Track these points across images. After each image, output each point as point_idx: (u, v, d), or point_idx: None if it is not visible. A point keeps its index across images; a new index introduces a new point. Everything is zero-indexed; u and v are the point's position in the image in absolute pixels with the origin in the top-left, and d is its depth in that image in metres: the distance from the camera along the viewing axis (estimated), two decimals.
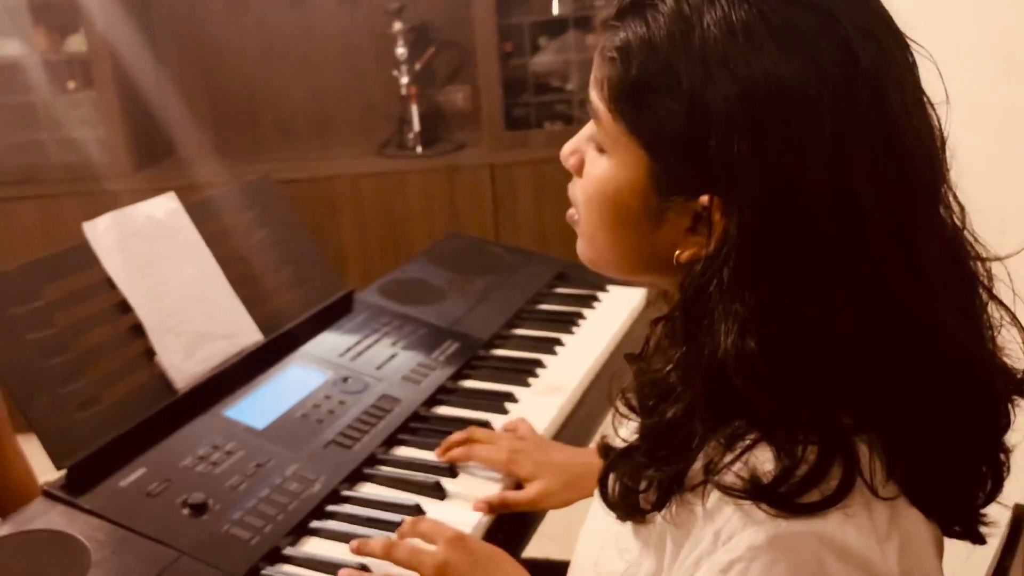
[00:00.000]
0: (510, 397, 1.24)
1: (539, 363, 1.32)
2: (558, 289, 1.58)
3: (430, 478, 1.05)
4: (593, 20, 2.97)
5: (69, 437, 0.99)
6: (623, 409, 0.73)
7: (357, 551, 0.93)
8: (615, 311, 1.49)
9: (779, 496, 0.59)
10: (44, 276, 1.07)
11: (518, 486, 1.06)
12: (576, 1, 2.95)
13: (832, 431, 0.61)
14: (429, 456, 1.11)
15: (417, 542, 0.91)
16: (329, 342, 1.31)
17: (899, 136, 0.61)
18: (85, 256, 1.11)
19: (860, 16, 0.62)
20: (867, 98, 0.61)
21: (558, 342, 1.39)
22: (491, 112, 2.90)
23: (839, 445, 0.60)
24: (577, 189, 0.74)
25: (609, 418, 1.25)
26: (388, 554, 0.90)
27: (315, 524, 0.98)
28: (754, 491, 0.60)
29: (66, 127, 3.03)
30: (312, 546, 0.96)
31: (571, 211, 0.76)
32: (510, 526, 1.03)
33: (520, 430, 1.13)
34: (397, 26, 2.96)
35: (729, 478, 0.61)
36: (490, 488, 1.05)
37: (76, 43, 3.00)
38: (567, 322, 1.45)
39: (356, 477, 1.07)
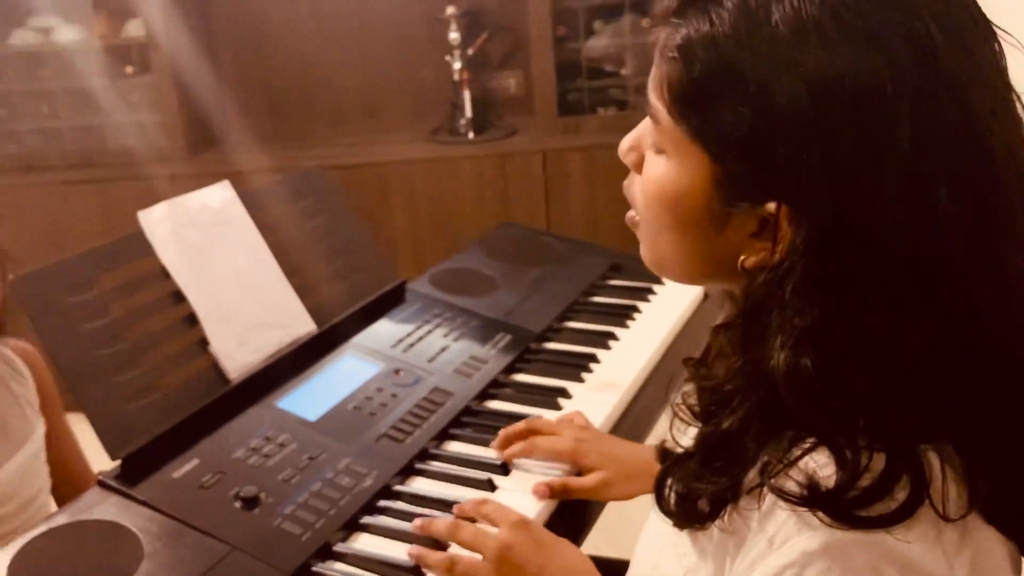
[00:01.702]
0: (563, 393, 1.22)
1: (593, 358, 1.30)
2: (612, 281, 1.55)
3: (483, 475, 1.04)
4: (649, 5, 2.92)
5: (123, 427, 0.99)
6: (682, 414, 0.70)
7: (421, 530, 0.93)
8: (672, 305, 1.45)
9: (838, 506, 0.56)
10: (99, 265, 1.07)
11: (579, 477, 1.05)
12: None
13: (899, 443, 0.57)
14: (481, 451, 1.09)
15: (481, 524, 0.91)
16: (381, 333, 1.30)
17: (983, 140, 0.57)
18: (140, 245, 1.11)
19: (940, 9, 0.58)
20: (948, 100, 0.57)
21: (612, 336, 1.36)
22: (544, 97, 2.87)
23: (907, 458, 0.57)
24: (636, 188, 0.71)
25: (664, 418, 1.23)
26: (452, 535, 0.90)
27: (366, 520, 0.97)
28: (811, 498, 0.57)
29: (124, 112, 3.07)
30: (363, 542, 0.95)
31: (631, 214, 0.73)
32: (569, 519, 1.01)
33: (576, 421, 1.12)
34: (450, 11, 2.95)
35: (786, 483, 0.58)
36: (546, 477, 1.03)
37: (134, 29, 3.04)
38: (622, 316, 1.42)
39: (408, 471, 1.06)
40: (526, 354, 1.31)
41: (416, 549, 0.90)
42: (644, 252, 0.72)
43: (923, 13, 0.57)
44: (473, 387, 1.21)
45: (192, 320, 1.12)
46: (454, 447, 1.11)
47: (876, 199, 0.56)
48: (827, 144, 0.56)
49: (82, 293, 1.02)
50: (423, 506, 0.99)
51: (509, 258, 1.58)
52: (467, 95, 2.99)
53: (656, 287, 1.50)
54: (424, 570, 0.89)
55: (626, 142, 0.72)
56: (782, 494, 0.58)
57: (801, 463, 0.58)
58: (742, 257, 0.62)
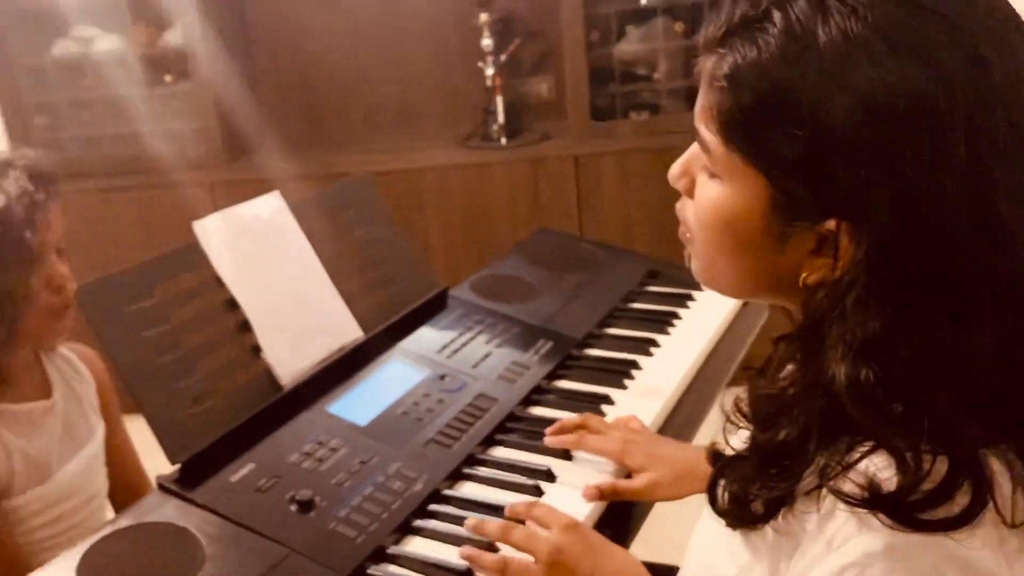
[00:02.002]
0: (606, 399, 1.23)
1: (635, 364, 1.31)
2: (651, 287, 1.56)
3: (530, 480, 1.06)
4: (681, 10, 2.92)
5: (182, 432, 1.02)
6: (735, 418, 0.72)
7: (474, 531, 0.95)
8: (711, 312, 1.46)
9: (900, 509, 0.57)
10: (157, 275, 1.10)
11: (628, 479, 1.07)
12: None
13: (961, 448, 0.58)
14: (528, 457, 1.11)
15: (532, 526, 0.93)
16: (426, 339, 1.32)
17: None
18: (195, 255, 1.14)
19: (986, 20, 0.59)
20: (999, 108, 0.58)
21: (654, 343, 1.37)
22: (577, 102, 2.88)
23: (968, 463, 0.58)
24: (689, 211, 0.72)
25: (707, 425, 1.24)
26: (504, 536, 0.92)
27: (418, 523, 0.99)
28: (872, 500, 0.58)
29: (163, 120, 3.13)
30: (415, 545, 0.97)
31: (683, 230, 0.75)
32: (616, 522, 1.03)
33: (632, 424, 1.14)
34: (483, 17, 2.97)
35: (846, 485, 0.59)
36: (593, 481, 1.05)
37: (172, 38, 3.10)
38: (662, 322, 1.43)
39: (456, 476, 1.08)
40: (568, 360, 1.33)
41: (468, 550, 0.92)
42: (698, 269, 0.74)
43: (970, 25, 0.58)
44: (517, 393, 1.23)
45: (245, 327, 1.15)
46: (500, 452, 1.13)
47: (937, 210, 0.57)
48: (884, 159, 0.57)
49: (142, 301, 1.06)
50: (472, 510, 1.01)
51: (548, 265, 1.60)
52: (500, 101, 3.02)
53: (695, 293, 1.52)
54: (476, 571, 0.91)
55: (676, 168, 0.74)
56: (842, 496, 0.59)
57: (860, 466, 0.59)
58: (803, 275, 0.64)
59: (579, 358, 1.35)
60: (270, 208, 1.25)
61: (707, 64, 0.66)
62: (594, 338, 1.40)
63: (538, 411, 1.22)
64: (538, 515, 0.94)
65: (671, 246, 2.78)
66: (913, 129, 0.57)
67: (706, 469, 1.03)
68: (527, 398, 1.23)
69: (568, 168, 2.86)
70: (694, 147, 0.72)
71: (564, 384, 1.28)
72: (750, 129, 0.62)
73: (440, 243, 2.94)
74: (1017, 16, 0.62)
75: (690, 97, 2.95)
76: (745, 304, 1.50)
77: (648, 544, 1.21)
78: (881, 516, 0.57)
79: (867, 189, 0.58)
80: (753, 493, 0.66)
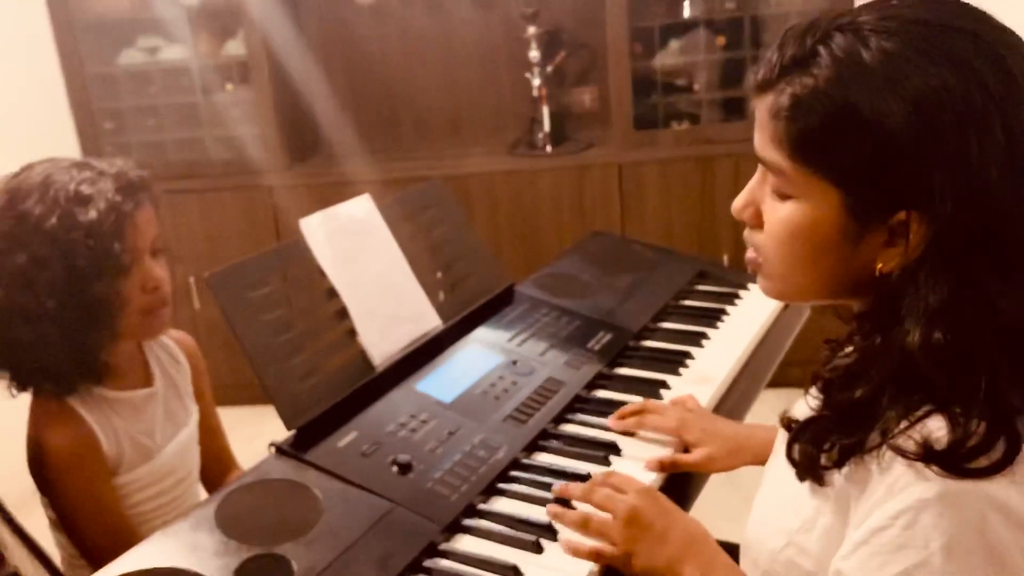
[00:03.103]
0: (663, 384, 1.36)
1: (688, 355, 1.44)
2: (700, 286, 1.69)
3: (598, 452, 1.19)
4: (722, 23, 3.02)
5: (296, 403, 1.16)
6: (811, 388, 0.84)
7: (560, 494, 1.07)
8: (757, 308, 1.58)
9: (950, 460, 0.69)
10: (271, 265, 1.24)
11: (685, 453, 1.19)
12: (706, 3, 3.03)
13: (1000, 411, 0.69)
14: (594, 433, 1.24)
15: (610, 491, 1.03)
16: (497, 329, 1.46)
17: None
18: (302, 249, 1.29)
19: (997, 33, 0.72)
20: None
21: (704, 336, 1.49)
22: (620, 112, 3.01)
23: (1005, 423, 0.69)
24: (759, 237, 0.83)
25: (753, 407, 1.36)
26: (586, 497, 1.03)
27: (502, 486, 1.12)
28: (927, 454, 0.69)
29: (225, 126, 3.30)
30: (501, 504, 1.10)
31: (752, 256, 0.85)
32: (675, 493, 1.13)
33: (688, 403, 1.26)
34: (531, 30, 3.11)
35: (905, 443, 0.71)
36: (655, 455, 1.17)
37: (234, 47, 3.26)
38: (712, 317, 1.56)
39: (532, 447, 1.21)
40: (626, 351, 1.46)
41: (554, 507, 1.04)
42: (771, 285, 0.85)
43: (987, 36, 0.71)
44: (582, 378, 1.36)
45: (343, 314, 1.29)
46: (570, 428, 1.26)
47: (985, 189, 0.69)
48: (939, 152, 0.69)
49: (260, 288, 1.20)
50: (547, 476, 1.14)
51: (603, 264, 1.73)
52: (545, 110, 3.15)
53: (742, 292, 1.64)
54: (560, 526, 1.03)
55: (739, 202, 0.85)
56: (901, 451, 0.71)
57: (917, 427, 0.71)
58: (879, 264, 0.75)
59: (637, 348, 1.47)
60: (362, 209, 1.39)
61: (765, 102, 0.78)
62: (649, 331, 1.53)
63: (601, 393, 1.35)
64: (615, 482, 1.04)
65: (711, 250, 2.94)
66: (959, 123, 0.69)
67: (758, 443, 1.16)
68: (591, 382, 1.36)
69: (612, 175, 2.99)
70: (753, 181, 0.84)
71: (624, 371, 1.41)
72: (820, 147, 0.74)
73: (488, 246, 3.06)
74: (1016, 35, 0.74)
75: (728, 108, 3.07)
76: (786, 306, 1.62)
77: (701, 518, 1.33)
78: (934, 467, 0.69)
79: (928, 179, 0.69)
80: (830, 441, 0.77)
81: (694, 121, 3.08)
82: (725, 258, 2.92)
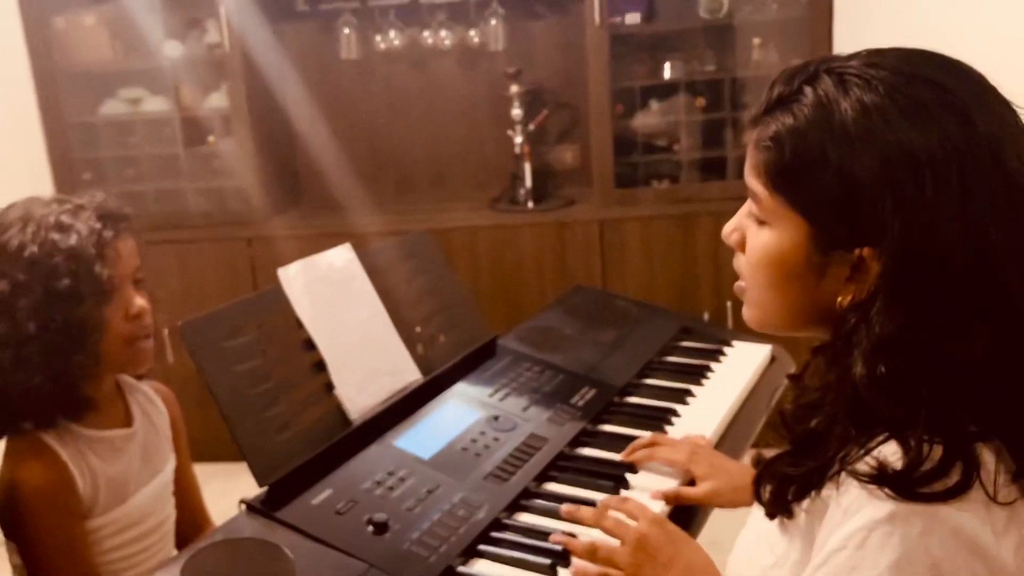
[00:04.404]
0: None
1: (673, 412, 1.41)
2: (684, 342, 1.67)
3: None
4: (702, 85, 3.09)
5: (269, 457, 1.11)
6: (779, 427, 0.84)
7: (570, 516, 1.09)
8: (742, 365, 1.56)
9: (902, 484, 0.69)
10: (247, 314, 1.21)
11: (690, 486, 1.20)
12: (687, 66, 3.07)
13: (956, 437, 0.70)
14: (579, 492, 1.20)
15: (622, 516, 1.05)
16: (479, 383, 1.42)
17: (1018, 184, 0.72)
18: (278, 299, 1.25)
19: (971, 88, 0.75)
20: (988, 156, 0.72)
21: (689, 393, 1.47)
22: (602, 170, 3.02)
23: (961, 449, 0.70)
24: (742, 262, 0.87)
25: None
26: (597, 522, 1.05)
27: (482, 547, 1.08)
28: (880, 477, 0.70)
29: (204, 177, 3.28)
30: (481, 567, 1.06)
31: (739, 284, 0.88)
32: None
33: (699, 441, 1.28)
34: (514, 89, 3.14)
35: (860, 466, 0.72)
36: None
37: (217, 99, 3.26)
38: (696, 374, 1.53)
39: (514, 507, 1.17)
40: (610, 407, 1.43)
41: (561, 536, 1.05)
42: (750, 313, 0.87)
43: (959, 92, 0.73)
44: (565, 434, 1.33)
45: (320, 366, 1.25)
46: (553, 487, 1.22)
47: (937, 236, 0.71)
48: (896, 197, 0.72)
49: (234, 338, 1.16)
50: (531, 537, 1.10)
51: (586, 318, 1.70)
52: (527, 167, 3.17)
53: (727, 349, 1.62)
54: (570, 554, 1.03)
55: (728, 227, 0.88)
56: (856, 474, 0.71)
57: (874, 452, 0.72)
58: (840, 298, 0.77)
59: (621, 405, 1.44)
60: (342, 258, 1.36)
61: (754, 133, 0.82)
62: (634, 387, 1.50)
63: (586, 451, 1.31)
64: (628, 508, 1.06)
65: (691, 307, 2.93)
66: (918, 174, 0.71)
67: None
68: (575, 439, 1.33)
69: (593, 232, 2.99)
70: (743, 208, 0.86)
71: (609, 428, 1.38)
72: (791, 179, 0.78)
73: (471, 298, 3.05)
74: (993, 87, 0.77)
75: (707, 168, 3.10)
76: (772, 361, 1.61)
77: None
78: (886, 490, 0.69)
79: (885, 220, 0.72)
80: (791, 476, 0.79)
81: (674, 180, 3.11)
82: (705, 315, 2.91)
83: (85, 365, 1.26)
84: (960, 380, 0.71)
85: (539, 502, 1.18)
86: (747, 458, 1.37)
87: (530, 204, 3.15)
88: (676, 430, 1.37)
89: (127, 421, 1.38)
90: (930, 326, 0.71)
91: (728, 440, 1.38)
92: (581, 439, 1.34)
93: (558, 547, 1.05)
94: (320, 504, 1.09)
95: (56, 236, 1.23)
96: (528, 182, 3.17)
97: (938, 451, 0.70)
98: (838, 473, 0.74)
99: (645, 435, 1.34)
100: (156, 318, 1.35)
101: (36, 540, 1.23)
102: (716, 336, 1.68)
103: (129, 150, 3.34)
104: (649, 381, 1.52)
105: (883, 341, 0.72)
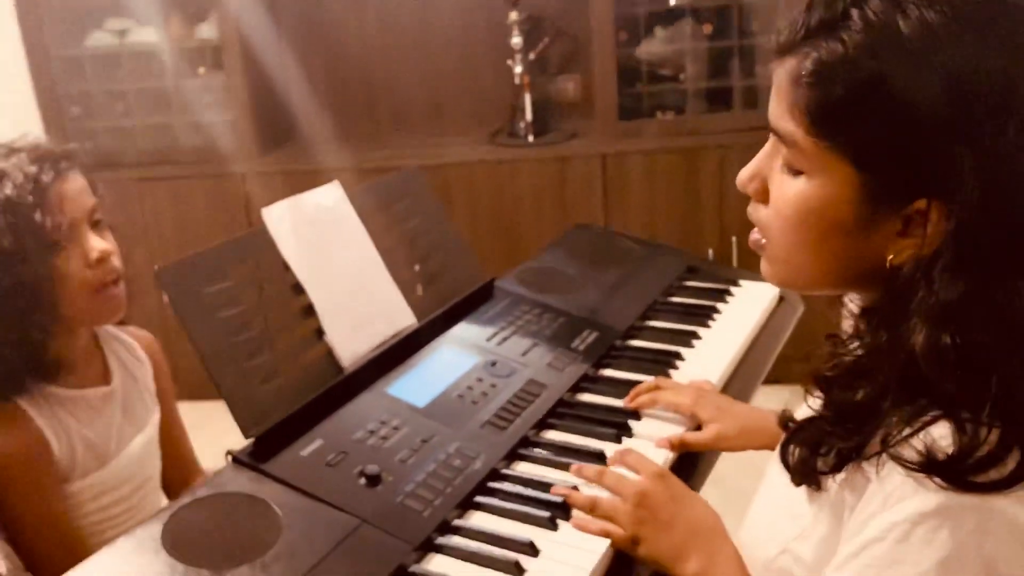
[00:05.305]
0: None
1: (678, 355, 1.36)
2: (689, 282, 1.61)
3: (585, 462, 1.10)
4: (709, 11, 2.94)
5: (255, 408, 1.07)
6: (812, 388, 0.76)
7: (575, 473, 1.05)
8: (750, 306, 1.50)
9: (954, 472, 0.62)
10: (230, 258, 1.15)
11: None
12: None
13: (1015, 418, 0.63)
14: (579, 440, 1.15)
15: (624, 471, 1.01)
16: (476, 326, 1.37)
17: None
18: (264, 240, 1.19)
19: None
20: None
21: (695, 335, 1.41)
22: (605, 101, 2.93)
23: (1021, 432, 0.63)
24: (763, 213, 0.76)
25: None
26: (599, 479, 1.01)
27: (479, 499, 1.04)
28: (929, 464, 0.63)
29: (196, 111, 3.18)
30: (478, 519, 1.01)
31: (755, 236, 0.78)
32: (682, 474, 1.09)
33: (704, 386, 1.22)
34: (513, 16, 3.01)
35: (906, 451, 0.64)
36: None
37: (207, 31, 3.15)
38: (702, 315, 1.48)
39: (512, 456, 1.12)
40: (612, 351, 1.38)
41: (562, 489, 1.01)
42: (772, 270, 0.78)
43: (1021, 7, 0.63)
44: (566, 380, 1.28)
45: (310, 311, 1.20)
46: (552, 435, 1.18)
47: (1018, 184, 0.62)
48: (971, 136, 0.62)
49: (217, 283, 1.10)
50: (528, 487, 1.06)
51: (588, 258, 1.64)
52: (528, 99, 3.07)
53: (733, 289, 1.56)
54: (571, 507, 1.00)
55: (745, 173, 0.77)
56: (902, 461, 0.64)
57: (921, 434, 0.64)
58: (890, 256, 0.68)
59: (623, 349, 1.39)
60: (331, 197, 1.29)
61: (785, 66, 0.70)
62: (637, 330, 1.44)
63: (586, 397, 1.26)
64: (630, 461, 1.02)
65: (695, 244, 2.86)
66: (996, 107, 0.62)
67: (773, 427, 1.09)
68: (575, 385, 1.28)
69: (595, 167, 2.91)
70: (763, 152, 0.76)
71: (610, 373, 1.33)
72: (841, 120, 0.66)
73: (467, 237, 2.97)
74: None
75: (714, 98, 2.99)
76: (781, 300, 1.55)
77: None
78: (936, 479, 0.62)
79: (956, 167, 0.62)
80: (827, 444, 0.71)
81: (679, 112, 3.00)
82: (710, 252, 2.85)
83: (45, 324, 1.18)
84: None
85: (538, 451, 1.14)
86: (755, 400, 1.32)
87: (530, 138, 3.06)
88: (681, 374, 1.32)
89: (106, 378, 1.31)
90: (1005, 286, 0.63)
91: (736, 382, 1.33)
92: (582, 385, 1.29)
93: (558, 499, 1.01)
94: (310, 456, 1.05)
95: None
96: (528, 115, 3.07)
97: (994, 435, 0.62)
98: (879, 454, 0.66)
99: (649, 380, 1.29)
100: (130, 262, 1.26)
101: (13, 508, 1.18)
102: (722, 276, 1.62)
103: (117, 83, 3.24)
104: (653, 323, 1.47)
105: (949, 308, 0.63)
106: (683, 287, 1.59)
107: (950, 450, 0.62)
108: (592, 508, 0.98)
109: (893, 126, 0.64)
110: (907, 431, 0.65)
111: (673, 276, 1.61)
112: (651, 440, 1.14)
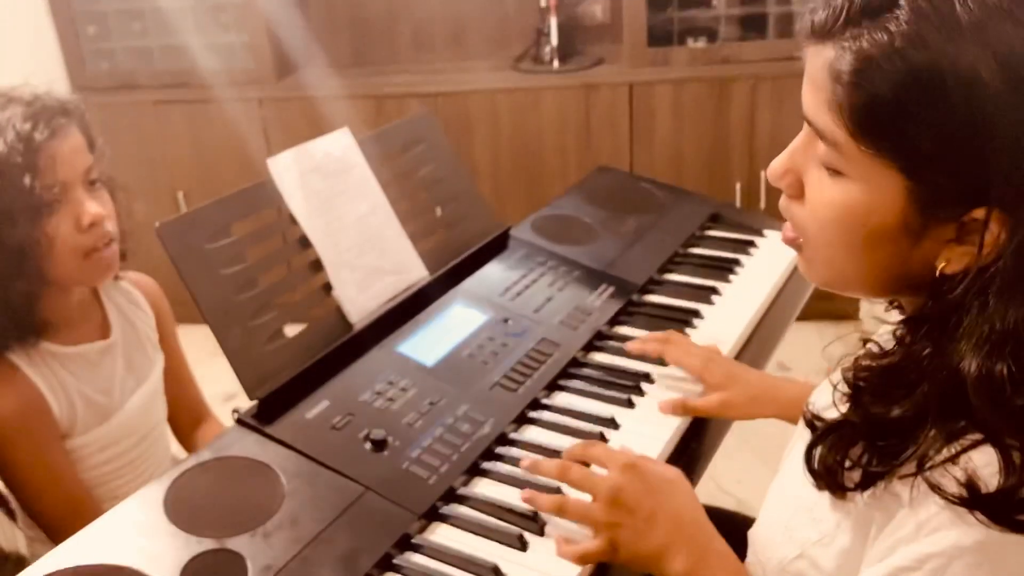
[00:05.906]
0: None
1: (696, 313, 1.32)
2: (712, 232, 1.55)
3: (594, 427, 1.08)
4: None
5: (260, 368, 1.05)
6: (844, 387, 0.71)
7: (530, 470, 0.94)
8: (774, 259, 1.45)
9: (999, 508, 0.58)
10: (234, 212, 1.11)
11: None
12: None
13: None
14: (591, 405, 1.13)
15: (587, 470, 0.90)
16: (489, 280, 1.33)
17: None
18: (270, 192, 1.15)
19: None
20: None
21: (715, 291, 1.37)
22: (633, 26, 2.81)
23: None
24: (798, 211, 0.70)
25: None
26: (561, 475, 0.90)
27: (486, 465, 1.02)
28: (971, 499, 0.58)
29: (213, 33, 3.10)
30: (483, 487, 1.00)
31: (789, 232, 0.72)
32: (691, 454, 1.08)
33: (713, 350, 1.17)
34: None
35: (943, 479, 0.60)
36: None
37: None
38: (724, 269, 1.43)
39: (522, 420, 1.10)
40: (629, 307, 1.34)
41: (528, 492, 0.91)
42: (812, 271, 0.72)
43: None
44: (579, 339, 1.24)
45: (317, 266, 1.16)
46: (564, 398, 1.15)
47: None
48: None
49: (220, 239, 1.07)
50: (538, 454, 1.03)
51: (608, 205, 1.59)
52: (553, 21, 2.95)
53: (758, 240, 1.51)
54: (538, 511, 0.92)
55: (779, 166, 0.70)
56: (940, 492, 0.59)
57: (961, 460, 0.59)
58: (941, 263, 0.62)
59: (641, 304, 1.35)
60: (340, 145, 1.25)
61: (822, 55, 0.62)
62: (655, 284, 1.40)
63: (600, 357, 1.23)
64: (596, 455, 0.90)
65: (722, 179, 2.77)
66: None
67: (785, 396, 1.05)
68: (589, 344, 1.25)
69: (621, 96, 2.81)
70: (797, 142, 0.69)
71: (626, 331, 1.29)
72: (888, 123, 0.59)
73: (488, 169, 2.92)
74: None
75: (748, 25, 2.86)
76: None
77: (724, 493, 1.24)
78: (979, 515, 0.58)
79: (1020, 173, 0.56)
80: (852, 461, 0.66)
81: (711, 39, 2.88)
82: (737, 187, 2.77)
83: (30, 291, 1.14)
84: None
85: (548, 415, 1.11)
86: (769, 367, 1.29)
87: (555, 63, 2.96)
88: (699, 333, 1.28)
89: (105, 332, 1.28)
90: None
91: (753, 345, 1.29)
92: (596, 344, 1.26)
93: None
94: (315, 418, 1.03)
95: None
96: (554, 39, 2.96)
97: None
98: (913, 476, 0.61)
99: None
100: (127, 216, 1.22)
101: (15, 467, 1.17)
102: (748, 225, 1.56)
103: (134, 3, 3.15)
104: (672, 277, 1.42)
105: (1005, 336, 0.57)
106: (705, 237, 1.54)
107: (994, 483, 0.58)
108: (560, 511, 0.88)
109: (948, 127, 0.57)
110: (945, 454, 0.60)
111: (695, 225, 1.56)
112: (655, 413, 1.11)
